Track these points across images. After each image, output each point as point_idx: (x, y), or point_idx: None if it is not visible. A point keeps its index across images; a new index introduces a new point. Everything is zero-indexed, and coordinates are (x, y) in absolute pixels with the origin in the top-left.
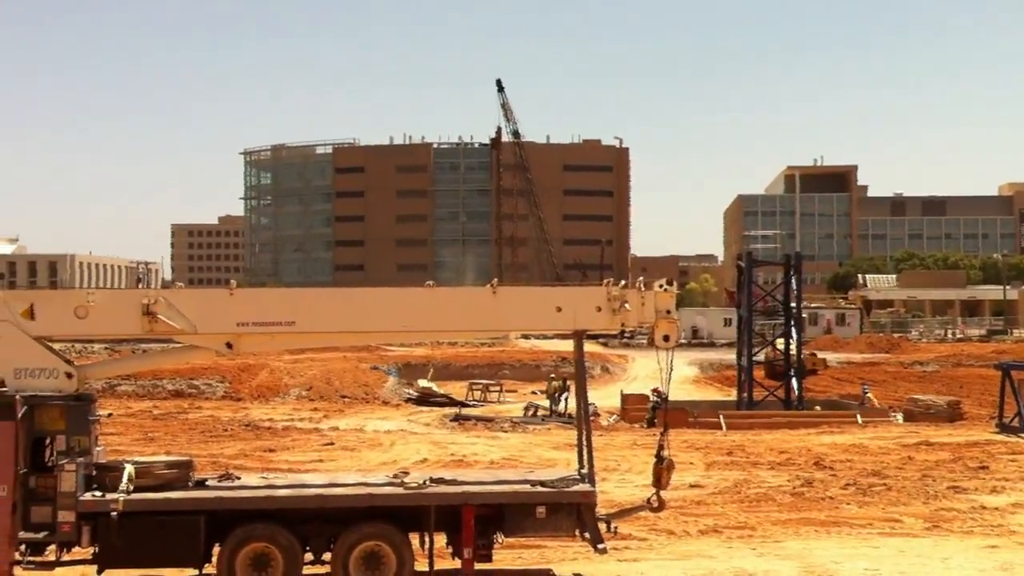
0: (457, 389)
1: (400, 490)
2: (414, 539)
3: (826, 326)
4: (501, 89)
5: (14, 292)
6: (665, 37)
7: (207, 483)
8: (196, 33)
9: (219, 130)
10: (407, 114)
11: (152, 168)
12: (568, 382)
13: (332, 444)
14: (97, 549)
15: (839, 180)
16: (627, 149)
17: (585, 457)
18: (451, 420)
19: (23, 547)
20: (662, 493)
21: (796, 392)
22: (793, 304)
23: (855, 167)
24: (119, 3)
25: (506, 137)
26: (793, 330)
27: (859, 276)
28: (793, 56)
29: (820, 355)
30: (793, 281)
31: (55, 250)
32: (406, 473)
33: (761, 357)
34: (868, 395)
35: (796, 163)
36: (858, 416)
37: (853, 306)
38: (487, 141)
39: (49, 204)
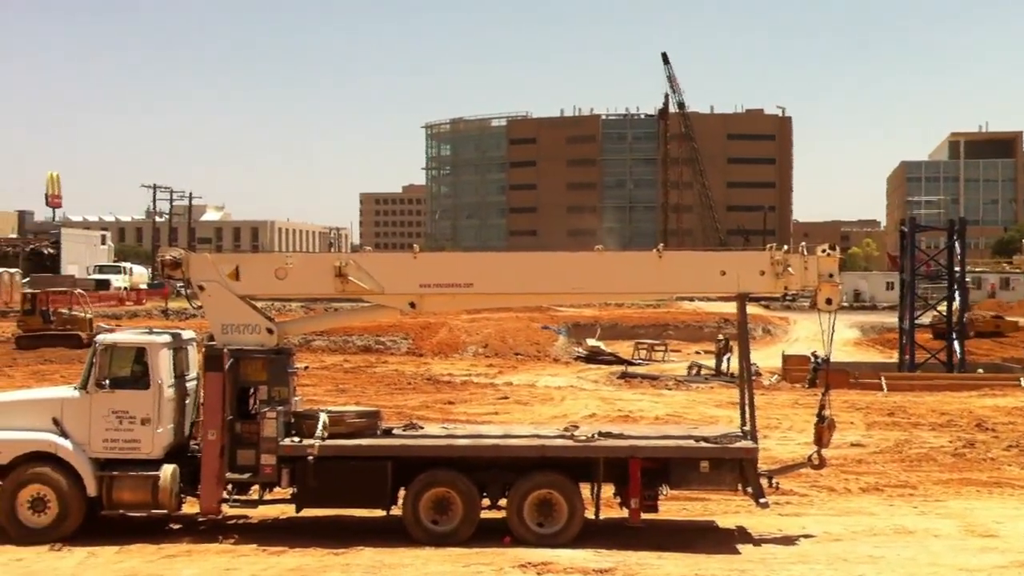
0: (624, 348)
1: (570, 442)
2: (584, 489)
3: (990, 290)
4: (667, 62)
5: (221, 255)
6: (829, 3)
7: (393, 432)
8: (385, 16)
9: (403, 105)
10: (577, 87)
11: (343, 142)
12: (731, 343)
13: (506, 398)
14: (295, 490)
15: (1004, 146)
16: (790, 118)
17: (747, 415)
18: (618, 378)
19: (230, 487)
20: (823, 451)
21: (958, 355)
22: (957, 268)
23: (1020, 133)
24: None
25: (672, 108)
26: (956, 294)
27: None
28: (959, 21)
29: (1011, 318)
30: (957, 246)
31: (257, 217)
32: (576, 427)
33: (927, 320)
34: None
35: (960, 129)
36: (1021, 379)
37: (1018, 270)
38: (653, 112)
39: (252, 175)
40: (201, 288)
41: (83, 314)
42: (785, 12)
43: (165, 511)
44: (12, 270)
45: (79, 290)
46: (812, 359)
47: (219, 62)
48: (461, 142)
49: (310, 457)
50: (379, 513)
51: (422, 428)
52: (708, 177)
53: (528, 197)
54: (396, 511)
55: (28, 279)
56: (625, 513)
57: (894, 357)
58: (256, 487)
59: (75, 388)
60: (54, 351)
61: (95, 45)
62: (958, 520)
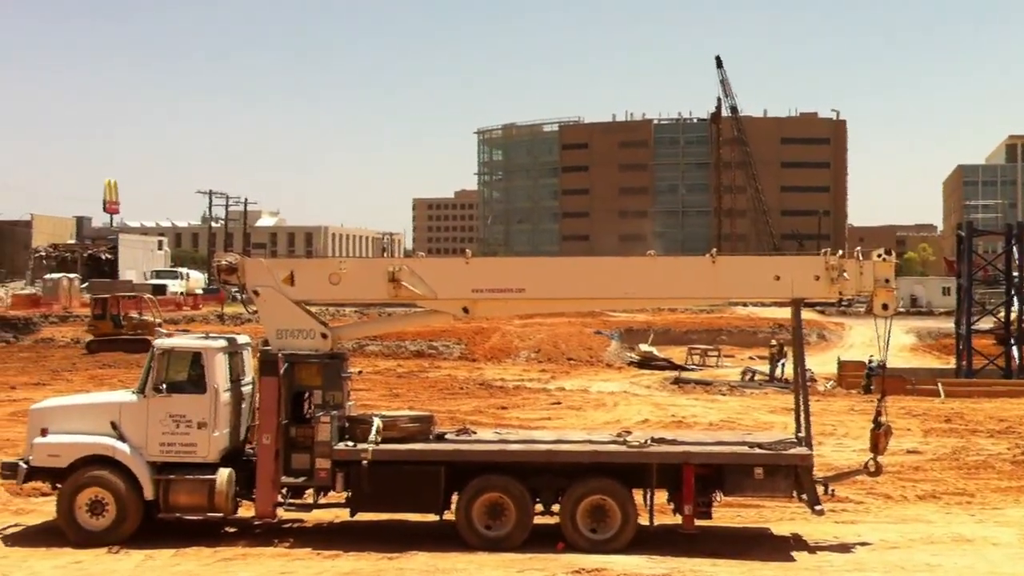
0: (677, 353)
1: (624, 448)
2: (637, 495)
3: None
4: (720, 65)
5: (276, 261)
6: (884, 4)
7: (446, 436)
8: (437, 22)
9: (456, 111)
10: (629, 92)
11: (397, 147)
12: (785, 348)
13: (559, 403)
14: (350, 494)
15: None
16: (844, 122)
17: (802, 421)
18: (671, 383)
19: (285, 490)
20: (879, 458)
21: (1017, 361)
22: (1015, 273)
23: None
24: None
25: (724, 112)
26: (1014, 299)
27: None
28: (1016, 22)
29: None
30: (1015, 250)
31: (311, 222)
32: (629, 432)
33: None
34: None
35: (1018, 132)
36: None
37: None
38: (706, 116)
39: (306, 181)
40: (256, 293)
41: (152, 319)
42: (840, 14)
43: (221, 514)
44: (71, 275)
45: (148, 295)
46: (868, 365)
47: (274, 70)
48: (513, 147)
49: (364, 461)
50: (432, 518)
51: (475, 433)
52: (761, 181)
53: (580, 202)
54: (449, 516)
55: (86, 284)
56: (679, 519)
57: (951, 363)
58: (311, 491)
59: (133, 392)
60: (113, 355)
61: (154, 52)
62: (1017, 528)
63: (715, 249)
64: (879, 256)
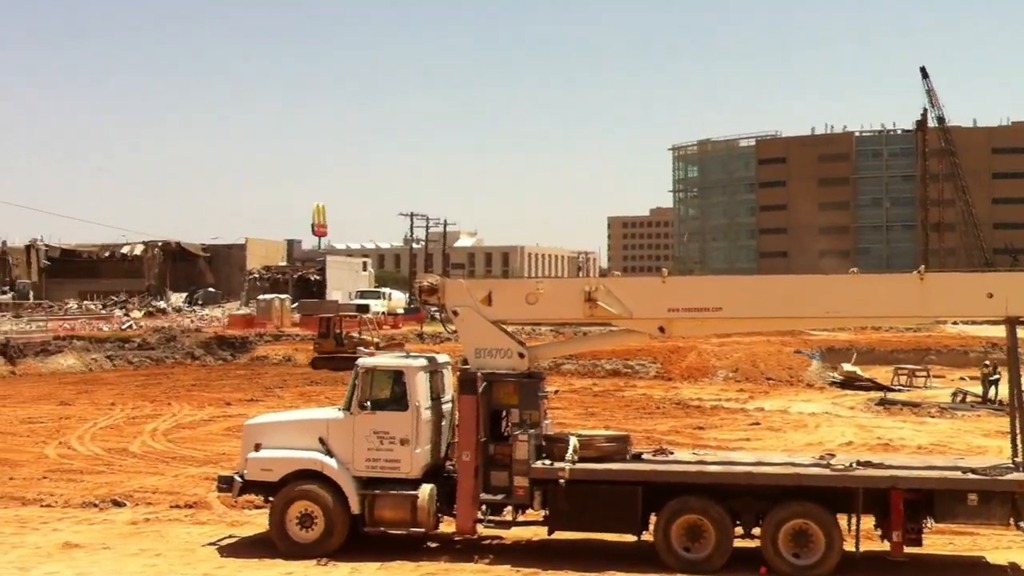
0: (881, 373)
1: (827, 471)
2: (841, 520)
3: None
4: (926, 75)
5: (475, 281)
6: None
7: (643, 456)
8: (630, 41)
9: (650, 128)
10: (827, 104)
11: (591, 166)
12: (999, 369)
13: (758, 424)
14: (547, 512)
15: None
16: None
17: (1019, 445)
18: (876, 404)
19: (484, 507)
20: None
21: None
22: None
23: None
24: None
25: (931, 122)
26: None
27: None
28: None
29: None
30: None
31: (507, 242)
32: (832, 455)
33: None
34: None
35: None
36: None
37: None
38: (910, 127)
39: (503, 200)
40: (455, 313)
41: (370, 338)
42: None
43: (423, 530)
44: (282, 296)
45: (369, 315)
46: None
47: (470, 94)
48: (709, 163)
49: (561, 480)
50: (630, 538)
51: (672, 453)
52: (971, 193)
53: (778, 218)
54: (647, 536)
55: (296, 305)
56: (887, 546)
57: None
58: (509, 508)
59: (339, 409)
60: (322, 373)
61: (362, 85)
62: None
63: (923, 265)
64: None
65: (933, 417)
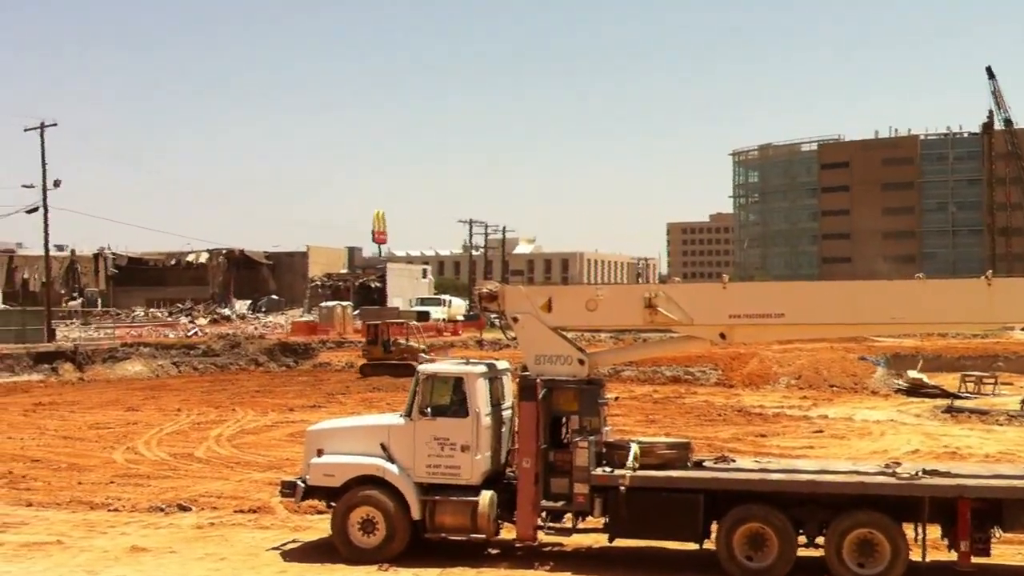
0: (948, 380)
1: (893, 480)
2: (907, 529)
3: None
4: (992, 76)
5: (535, 288)
6: None
7: (704, 464)
8: (688, 48)
9: (710, 133)
10: (891, 107)
11: (651, 171)
12: None
13: (821, 432)
14: (607, 520)
15: None
16: None
17: None
18: (943, 412)
19: (544, 514)
20: None
21: None
22: None
23: None
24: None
25: (998, 125)
26: None
27: None
28: None
29: None
30: None
31: (566, 248)
32: (898, 463)
33: None
34: None
35: None
36: None
37: None
38: (976, 130)
39: (562, 207)
40: (515, 320)
41: (416, 344)
42: None
43: (483, 536)
44: (344, 303)
45: (414, 322)
46: None
47: (527, 98)
48: (769, 168)
49: (622, 487)
50: (692, 546)
51: (734, 461)
52: None
53: (841, 223)
54: (708, 545)
55: (357, 312)
56: (954, 556)
57: None
58: (569, 515)
59: (400, 415)
60: (382, 379)
61: (417, 92)
62: None
63: (990, 271)
64: None
65: (1001, 425)
